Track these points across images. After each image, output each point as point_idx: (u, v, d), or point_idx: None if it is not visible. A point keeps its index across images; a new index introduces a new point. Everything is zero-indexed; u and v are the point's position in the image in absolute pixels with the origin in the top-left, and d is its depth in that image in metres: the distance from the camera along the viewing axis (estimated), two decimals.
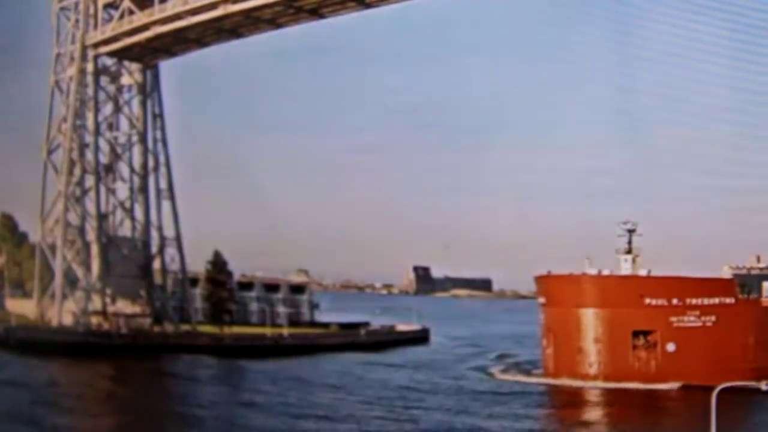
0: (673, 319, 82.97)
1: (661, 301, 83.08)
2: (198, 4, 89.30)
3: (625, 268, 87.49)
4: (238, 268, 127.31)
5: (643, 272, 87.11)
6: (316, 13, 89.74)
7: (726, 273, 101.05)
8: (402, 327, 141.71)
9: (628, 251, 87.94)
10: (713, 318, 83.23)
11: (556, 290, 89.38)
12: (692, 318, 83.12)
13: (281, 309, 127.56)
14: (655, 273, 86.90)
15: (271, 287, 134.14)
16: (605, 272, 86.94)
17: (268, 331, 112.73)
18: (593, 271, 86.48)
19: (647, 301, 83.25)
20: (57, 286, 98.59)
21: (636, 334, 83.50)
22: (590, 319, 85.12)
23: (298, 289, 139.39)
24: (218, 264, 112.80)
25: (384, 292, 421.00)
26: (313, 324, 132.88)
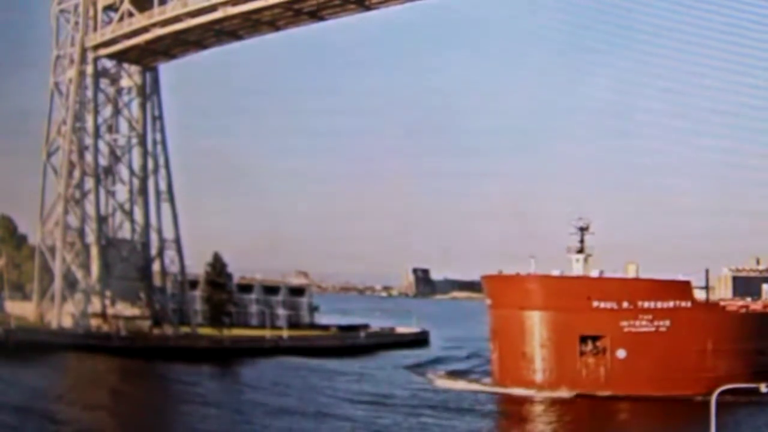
0: (624, 323, 77.15)
1: (611, 304, 77.23)
2: (197, 6, 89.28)
3: (577, 269, 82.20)
4: (237, 270, 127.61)
5: (594, 273, 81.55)
6: (315, 16, 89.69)
7: (726, 275, 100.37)
8: (401, 329, 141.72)
9: (580, 250, 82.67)
10: (667, 322, 77.32)
11: (501, 291, 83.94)
12: (644, 322, 77.19)
13: (281, 311, 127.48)
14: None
15: (271, 289, 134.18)
16: (555, 273, 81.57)
17: (267, 333, 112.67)
18: (537, 271, 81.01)
19: (595, 303, 77.46)
20: (56, 288, 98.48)
21: (584, 339, 78.05)
22: (535, 323, 79.41)
23: (297, 291, 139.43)
24: (218, 266, 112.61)
25: (384, 294, 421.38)
26: (312, 326, 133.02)
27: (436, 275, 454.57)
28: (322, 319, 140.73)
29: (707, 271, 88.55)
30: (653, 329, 77.10)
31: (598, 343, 77.93)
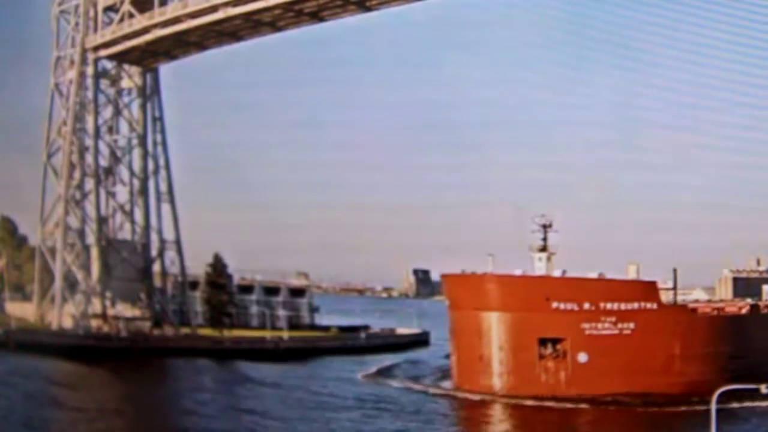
0: (585, 325, 73.38)
1: (571, 305, 73.63)
2: (198, 7, 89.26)
3: (539, 268, 78.33)
4: (237, 271, 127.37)
5: (557, 272, 77.77)
6: (316, 17, 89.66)
7: (727, 276, 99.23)
8: (402, 330, 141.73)
9: (543, 249, 78.70)
10: (632, 325, 73.59)
11: (459, 291, 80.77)
12: (607, 325, 73.52)
13: (281, 312, 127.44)
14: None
15: (271, 290, 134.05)
16: (517, 272, 77.93)
17: (267, 334, 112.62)
18: (494, 270, 77.10)
19: (554, 304, 73.76)
20: (57, 289, 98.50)
21: (543, 341, 74.33)
22: (492, 324, 75.80)
23: (297, 292, 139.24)
24: (218, 267, 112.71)
25: (384, 295, 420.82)
26: (313, 327, 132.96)
27: (436, 276, 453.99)
28: (322, 319, 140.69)
29: (675, 271, 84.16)
30: (617, 332, 73.65)
31: (559, 347, 74.46)
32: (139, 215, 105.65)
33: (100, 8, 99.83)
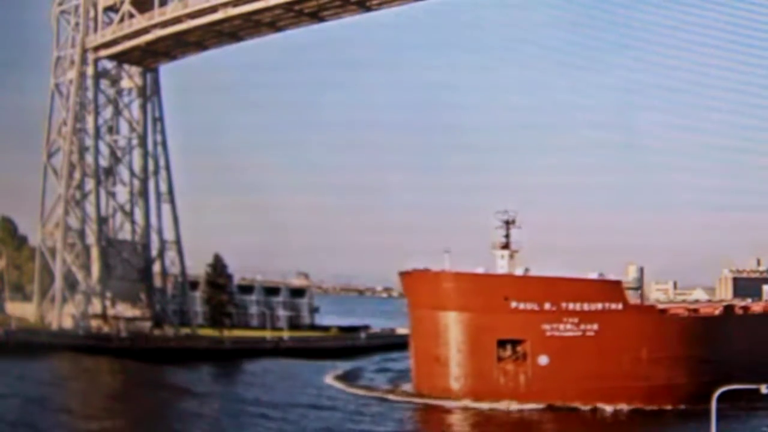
0: (546, 326, 70.13)
1: (531, 306, 70.47)
2: (198, 7, 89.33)
3: (501, 266, 75.32)
4: (238, 271, 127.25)
5: (519, 271, 74.80)
6: (316, 17, 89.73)
7: (727, 276, 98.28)
8: (402, 330, 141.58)
9: (505, 246, 75.64)
10: (595, 326, 70.27)
11: (416, 289, 77.95)
12: (569, 326, 70.23)
13: (281, 312, 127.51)
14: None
15: (271, 290, 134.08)
16: (480, 270, 74.91)
17: (268, 334, 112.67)
18: (452, 268, 73.95)
19: (513, 304, 70.67)
20: (57, 290, 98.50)
21: (502, 343, 71.10)
22: (449, 324, 72.80)
23: (298, 292, 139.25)
24: (218, 267, 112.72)
25: (384, 295, 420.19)
26: (313, 327, 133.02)
27: None
28: (322, 319, 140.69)
29: (642, 270, 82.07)
30: (579, 334, 70.29)
31: (518, 348, 71.20)
32: (139, 215, 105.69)
33: (100, 8, 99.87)
